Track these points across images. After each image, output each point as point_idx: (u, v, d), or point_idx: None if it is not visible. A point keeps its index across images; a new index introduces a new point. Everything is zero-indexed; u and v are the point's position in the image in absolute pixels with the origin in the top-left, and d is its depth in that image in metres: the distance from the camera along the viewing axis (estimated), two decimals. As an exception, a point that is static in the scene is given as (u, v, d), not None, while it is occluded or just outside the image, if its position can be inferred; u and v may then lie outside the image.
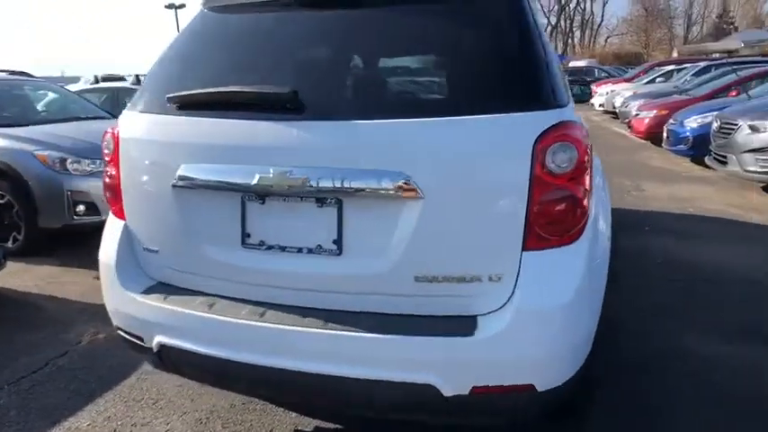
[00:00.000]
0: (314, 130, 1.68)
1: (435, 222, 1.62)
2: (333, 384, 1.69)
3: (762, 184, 6.43)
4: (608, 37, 53.71)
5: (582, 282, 1.66)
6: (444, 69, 1.73)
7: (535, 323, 1.61)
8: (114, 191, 2.04)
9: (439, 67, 1.74)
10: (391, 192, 1.61)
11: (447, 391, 1.61)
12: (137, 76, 7.87)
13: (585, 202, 1.65)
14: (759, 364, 2.70)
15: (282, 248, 1.77)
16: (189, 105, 1.86)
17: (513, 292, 1.64)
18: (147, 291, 1.95)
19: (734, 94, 8.87)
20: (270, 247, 1.79)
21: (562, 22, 52.90)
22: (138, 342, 1.98)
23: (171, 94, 1.86)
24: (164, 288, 1.96)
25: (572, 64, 37.81)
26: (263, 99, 1.75)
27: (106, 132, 2.08)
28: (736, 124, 6.16)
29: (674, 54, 44.70)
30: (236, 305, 1.82)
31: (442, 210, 1.61)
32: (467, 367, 1.61)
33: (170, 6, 32.22)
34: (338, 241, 1.71)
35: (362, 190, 1.64)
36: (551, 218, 1.61)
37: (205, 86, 1.91)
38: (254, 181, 1.70)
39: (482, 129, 1.61)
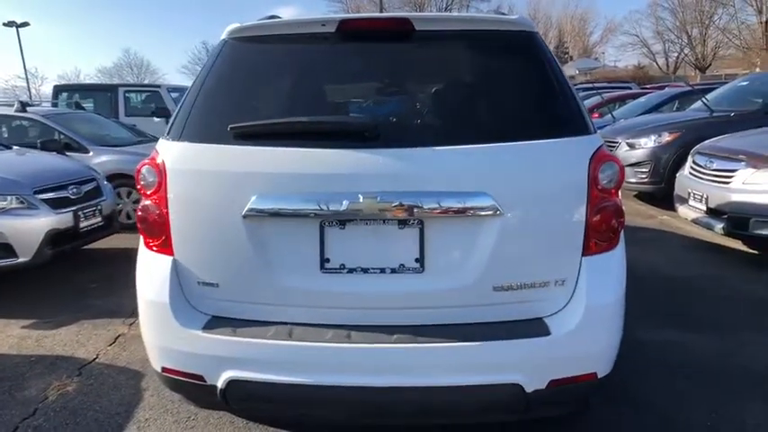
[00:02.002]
0: (396, 157, 1.79)
1: (512, 236, 1.81)
2: (424, 396, 1.78)
3: (634, 193, 7.53)
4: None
5: (623, 279, 1.95)
6: (506, 102, 1.94)
7: (599, 318, 1.86)
8: (158, 225, 1.94)
9: (501, 100, 1.94)
10: (475, 211, 1.78)
11: (529, 388, 1.79)
12: (21, 102, 7.10)
13: (623, 210, 1.95)
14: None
15: (365, 270, 1.84)
16: (259, 135, 1.86)
17: (572, 294, 1.88)
18: (208, 326, 1.88)
19: (596, 116, 10.21)
20: (351, 270, 1.84)
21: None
22: (196, 382, 1.89)
23: (237, 125, 1.85)
24: (225, 322, 1.90)
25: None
26: (347, 129, 1.82)
27: (144, 163, 1.98)
28: (616, 142, 7.18)
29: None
30: (316, 330, 1.84)
31: (517, 224, 1.81)
32: (546, 363, 1.81)
33: (10, 24, 29.02)
34: (420, 259, 1.83)
35: (447, 211, 1.78)
36: (603, 226, 1.88)
37: (267, 117, 1.93)
38: (343, 207, 1.76)
39: (548, 151, 1.84)
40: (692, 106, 8.00)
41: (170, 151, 1.94)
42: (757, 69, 30.63)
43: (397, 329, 1.82)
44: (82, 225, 4.74)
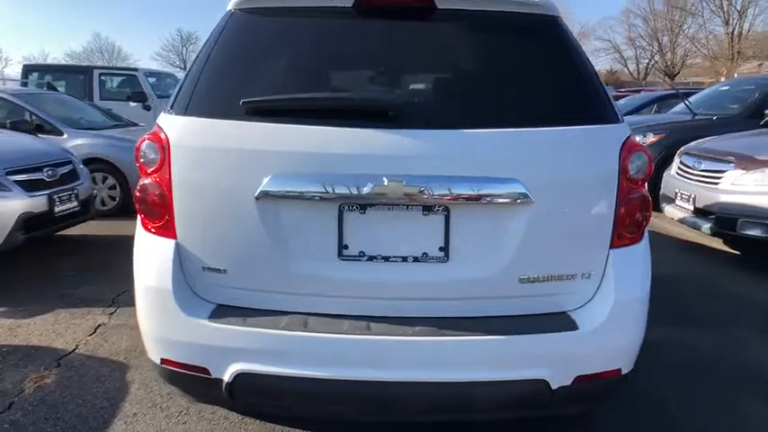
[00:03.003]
0: (423, 139, 1.69)
1: (540, 226, 1.73)
2: (445, 391, 1.69)
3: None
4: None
5: (649, 273, 1.90)
6: (534, 85, 1.85)
7: (627, 313, 1.80)
8: (159, 206, 1.79)
9: (530, 83, 1.86)
10: (505, 198, 1.69)
11: (555, 384, 1.71)
12: None
13: (651, 202, 1.89)
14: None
15: (386, 258, 1.74)
16: (274, 111, 1.73)
17: (598, 288, 1.81)
18: (215, 315, 1.75)
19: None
20: (371, 258, 1.74)
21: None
22: (200, 375, 1.76)
23: (251, 99, 1.72)
24: (233, 311, 1.77)
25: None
26: (371, 108, 1.71)
27: (144, 139, 1.83)
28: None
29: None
30: (333, 321, 1.73)
31: (546, 213, 1.73)
32: (572, 359, 1.74)
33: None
34: (445, 248, 1.74)
35: (476, 197, 1.69)
36: (631, 217, 1.82)
37: (280, 92, 1.80)
38: (366, 190, 1.65)
39: (579, 138, 1.77)
40: (674, 109, 8.12)
41: (174, 126, 1.79)
42: (722, 78, 31.58)
43: (418, 321, 1.73)
44: (57, 209, 4.49)
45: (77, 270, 4.43)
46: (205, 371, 1.75)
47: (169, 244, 1.80)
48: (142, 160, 1.82)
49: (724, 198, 4.60)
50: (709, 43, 38.26)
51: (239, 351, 1.70)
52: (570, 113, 1.81)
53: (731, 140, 5.38)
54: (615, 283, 1.79)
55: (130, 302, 3.61)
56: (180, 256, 1.79)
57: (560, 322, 1.76)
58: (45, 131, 6.28)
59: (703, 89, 9.52)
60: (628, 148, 1.79)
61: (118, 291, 3.91)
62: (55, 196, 4.46)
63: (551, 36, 1.93)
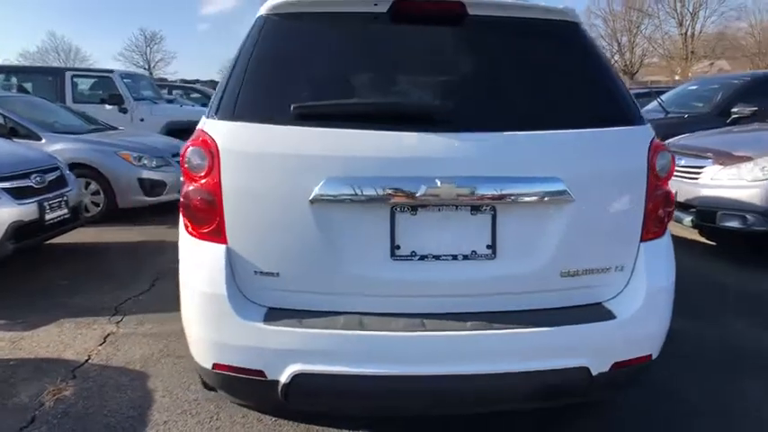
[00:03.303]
0: (470, 142, 1.76)
1: (579, 222, 1.82)
2: (496, 383, 1.76)
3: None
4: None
5: (673, 265, 2.02)
6: (568, 89, 1.94)
7: (658, 302, 1.91)
8: (208, 212, 1.81)
9: (564, 87, 1.95)
10: (548, 197, 1.77)
11: (595, 370, 1.81)
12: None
13: (673, 198, 2.01)
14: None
15: (436, 257, 1.80)
16: (327, 116, 1.77)
17: (630, 279, 1.92)
18: (270, 318, 1.78)
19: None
20: (423, 257, 1.79)
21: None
22: (255, 378, 1.78)
23: (304, 104, 1.76)
24: (287, 313, 1.80)
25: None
26: (420, 111, 1.77)
27: (190, 145, 1.84)
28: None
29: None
30: (388, 319, 1.77)
31: (584, 210, 1.82)
32: (611, 346, 1.84)
33: None
34: (492, 245, 1.81)
35: (521, 196, 1.77)
36: (658, 212, 1.93)
37: (326, 97, 1.85)
38: (420, 192, 1.71)
39: (613, 138, 1.88)
40: (647, 107, 8.43)
41: (222, 131, 1.81)
42: (677, 77, 32.85)
43: (469, 316, 1.79)
44: (47, 217, 4.37)
45: (70, 279, 4.32)
46: (261, 373, 1.77)
47: (220, 249, 1.81)
48: (187, 166, 1.83)
49: (704, 192, 4.84)
50: (665, 43, 39.76)
51: (297, 352, 1.73)
52: (602, 115, 1.91)
53: (707, 138, 5.65)
54: (646, 275, 1.90)
55: (136, 310, 3.62)
56: (231, 261, 1.81)
57: (599, 312, 1.85)
58: (20, 136, 6.06)
59: (664, 88, 9.92)
60: (654, 148, 1.91)
61: (119, 298, 3.85)
62: (45, 203, 4.34)
63: (578, 41, 2.02)
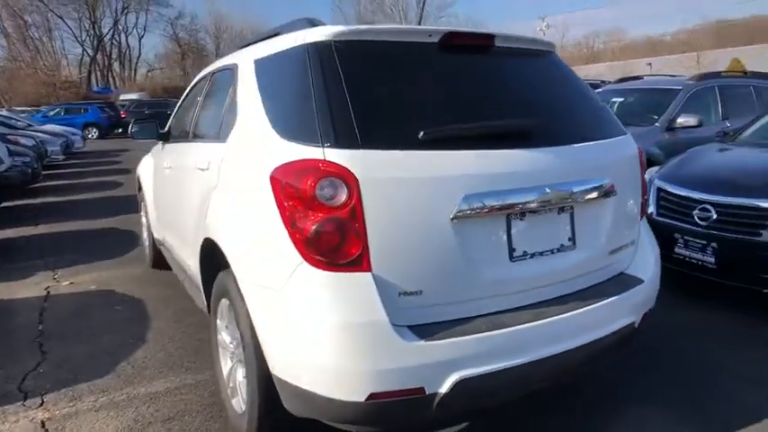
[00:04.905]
0: (553, 154, 2.12)
1: (617, 210, 2.34)
2: (589, 349, 2.15)
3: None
4: (149, 70, 54.31)
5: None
6: (589, 107, 2.46)
7: (659, 265, 2.55)
8: (352, 240, 1.78)
9: (594, 107, 2.46)
10: (604, 194, 2.24)
11: (636, 324, 2.35)
12: None
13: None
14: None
15: (540, 254, 2.10)
16: (451, 140, 1.93)
17: (636, 251, 2.52)
18: (424, 334, 1.84)
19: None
20: (531, 255, 2.08)
21: (100, 55, 50.21)
22: (413, 397, 1.83)
23: (433, 130, 1.90)
24: (436, 327, 1.88)
25: (123, 96, 36.77)
26: (520, 130, 2.08)
27: (321, 176, 1.77)
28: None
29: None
30: (518, 314, 2.01)
31: (619, 201, 2.34)
32: (643, 302, 2.39)
33: None
34: (572, 237, 2.20)
35: (590, 194, 2.20)
36: (645, 197, 2.58)
37: (433, 121, 2.00)
38: (535, 200, 2.00)
39: (626, 144, 2.46)
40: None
41: (357, 160, 1.80)
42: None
43: (566, 298, 2.15)
44: None
45: None
46: (420, 390, 1.82)
47: (365, 277, 1.80)
48: (321, 198, 1.77)
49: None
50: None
51: (457, 361, 1.84)
52: (613, 127, 2.49)
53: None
54: (650, 246, 2.53)
55: (51, 387, 2.93)
56: (380, 287, 1.81)
57: (632, 279, 2.40)
58: None
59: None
60: (640, 151, 2.55)
61: (14, 378, 3.05)
62: None
63: (566, 67, 2.56)
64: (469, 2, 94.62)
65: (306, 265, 1.82)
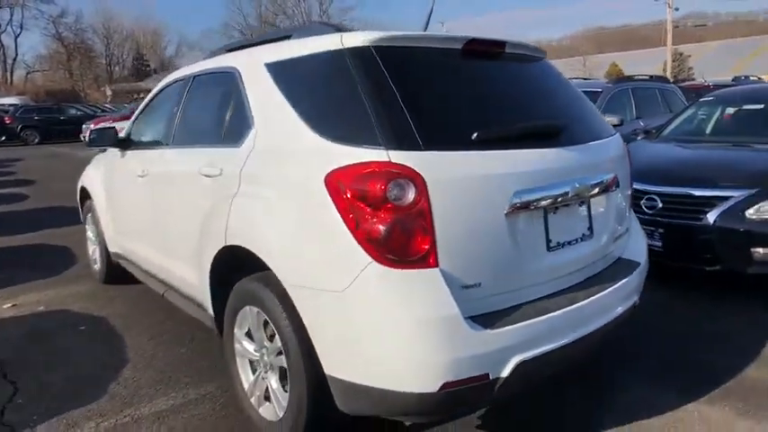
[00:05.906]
0: (576, 152, 2.32)
1: (619, 201, 2.61)
2: (608, 327, 2.38)
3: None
4: (29, 72, 49.46)
5: None
6: (594, 110, 2.70)
7: (647, 249, 2.85)
8: (422, 238, 1.86)
9: (592, 108, 2.69)
10: (613, 187, 2.49)
11: (637, 302, 2.63)
12: None
13: None
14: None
15: (569, 243, 2.29)
16: (501, 140, 2.07)
17: (628, 238, 2.80)
18: (485, 324, 1.95)
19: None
20: (562, 245, 2.26)
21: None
22: (479, 383, 1.93)
23: (487, 131, 2.03)
24: (496, 315, 2.00)
25: (2, 101, 33.57)
26: (554, 130, 2.26)
27: (390, 179, 1.83)
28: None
29: (108, 92, 46.16)
30: (560, 298, 2.19)
31: (621, 192, 2.61)
32: (640, 283, 2.67)
33: None
34: (590, 227, 2.42)
35: (603, 187, 2.43)
36: (631, 191, 2.88)
37: (480, 122, 2.12)
38: (571, 193, 2.20)
39: (620, 142, 2.72)
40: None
41: (423, 161, 1.89)
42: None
43: (589, 282, 2.36)
44: None
45: None
46: (485, 377, 1.93)
47: (435, 272, 1.88)
48: (392, 199, 1.83)
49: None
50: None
51: (518, 345, 1.97)
52: (608, 128, 2.77)
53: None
54: (640, 232, 2.83)
55: (39, 417, 2.80)
56: (447, 282, 1.90)
57: (632, 263, 2.67)
58: None
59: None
60: (626, 147, 2.84)
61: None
62: None
63: (558, 71, 2.81)
64: (370, 7, 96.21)
65: (376, 264, 1.86)
